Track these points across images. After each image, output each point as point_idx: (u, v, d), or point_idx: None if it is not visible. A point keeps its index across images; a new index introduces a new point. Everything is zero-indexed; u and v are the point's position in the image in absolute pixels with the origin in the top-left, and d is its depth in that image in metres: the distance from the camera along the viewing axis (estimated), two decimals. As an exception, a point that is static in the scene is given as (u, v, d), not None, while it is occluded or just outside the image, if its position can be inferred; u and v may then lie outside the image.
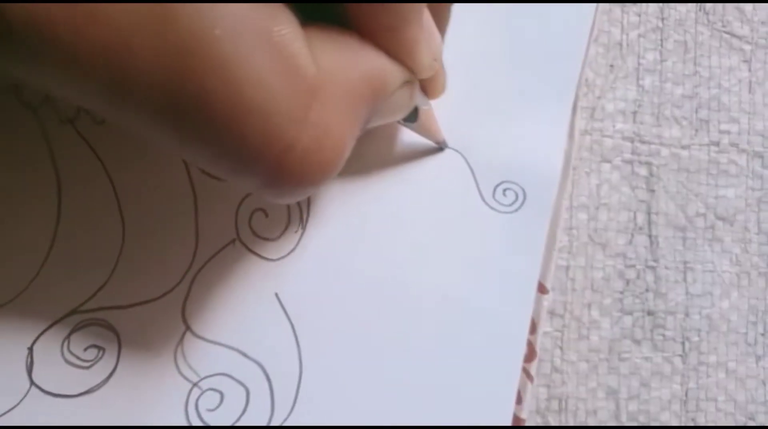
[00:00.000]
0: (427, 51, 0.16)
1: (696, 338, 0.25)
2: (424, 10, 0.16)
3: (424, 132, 0.21)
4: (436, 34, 0.17)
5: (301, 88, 0.12)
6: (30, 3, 0.10)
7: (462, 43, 0.21)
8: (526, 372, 0.23)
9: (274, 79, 0.12)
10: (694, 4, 0.26)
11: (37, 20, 0.10)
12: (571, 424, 0.24)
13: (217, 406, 0.21)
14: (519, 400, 0.23)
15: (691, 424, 0.25)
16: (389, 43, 0.15)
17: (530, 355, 0.23)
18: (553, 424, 0.24)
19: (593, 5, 0.24)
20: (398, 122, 0.20)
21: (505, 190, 0.23)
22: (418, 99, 0.19)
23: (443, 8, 0.18)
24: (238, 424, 0.21)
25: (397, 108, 0.17)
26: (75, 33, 0.10)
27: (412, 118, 0.20)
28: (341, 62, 0.13)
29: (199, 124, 0.11)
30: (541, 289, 0.23)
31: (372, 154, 0.22)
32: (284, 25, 0.12)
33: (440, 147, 0.22)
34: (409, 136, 0.22)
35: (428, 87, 0.19)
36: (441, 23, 0.18)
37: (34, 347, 0.20)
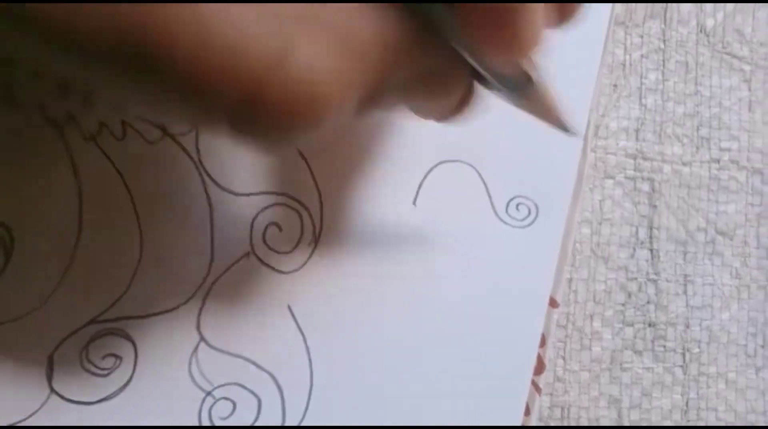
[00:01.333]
0: (530, 15, 0.12)
1: (696, 349, 0.26)
2: None
3: (539, 110, 0.17)
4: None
5: (282, 18, 0.11)
6: None
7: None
8: (534, 384, 0.23)
9: (247, 10, 0.10)
10: (695, 27, 0.26)
11: None
12: (574, 433, 0.25)
13: (230, 415, 0.21)
14: (527, 412, 0.23)
15: (692, 434, 0.26)
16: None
17: (539, 367, 0.23)
18: (556, 433, 0.25)
19: (604, 28, 0.24)
20: (502, 93, 0.16)
21: (518, 205, 0.23)
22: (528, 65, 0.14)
23: None
24: (251, 431, 0.21)
25: (423, 89, 0.14)
26: None
27: (521, 87, 0.15)
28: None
29: (159, 66, 0.11)
30: (552, 303, 0.24)
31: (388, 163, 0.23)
32: None
33: (567, 130, 0.18)
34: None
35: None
36: None
37: (55, 355, 0.21)
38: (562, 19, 0.14)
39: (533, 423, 0.23)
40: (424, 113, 0.16)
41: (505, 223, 0.23)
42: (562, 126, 0.17)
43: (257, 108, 0.11)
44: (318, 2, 0.11)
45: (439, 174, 0.23)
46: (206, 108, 0.11)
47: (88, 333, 0.21)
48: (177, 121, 0.11)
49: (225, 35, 0.10)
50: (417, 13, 0.12)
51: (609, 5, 0.25)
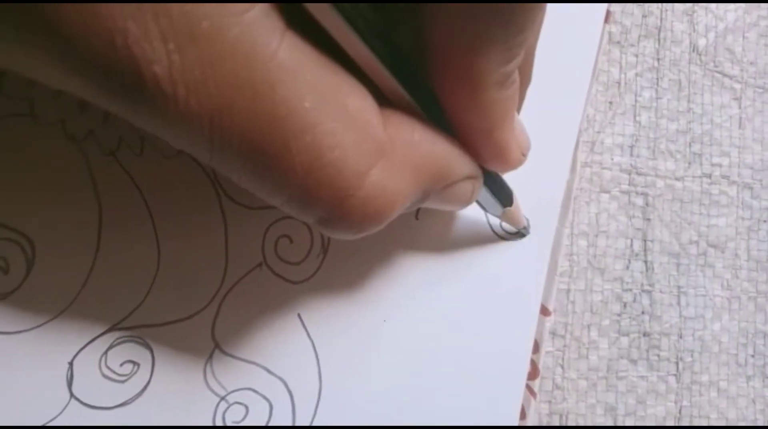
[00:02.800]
0: (516, 148, 0.18)
1: (689, 358, 0.27)
2: (515, 112, 0.18)
3: (508, 220, 0.23)
4: (524, 130, 0.19)
5: (369, 147, 0.14)
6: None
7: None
8: (530, 389, 0.24)
9: (348, 139, 0.14)
10: (688, 46, 0.28)
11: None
12: (572, 438, 0.26)
13: (243, 419, 0.22)
14: (523, 416, 0.24)
15: (685, 439, 0.26)
16: (482, 143, 0.18)
17: (533, 373, 0.24)
18: (554, 438, 0.26)
19: (596, 46, 0.25)
20: (486, 211, 0.23)
21: None
22: (507, 189, 0.22)
23: (521, 100, 0.20)
24: (261, 435, 0.22)
25: (456, 198, 0.19)
26: (188, 91, 0.12)
27: (508, 202, 0.22)
28: (409, 137, 0.16)
29: (280, 173, 0.14)
30: (544, 311, 0.25)
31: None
32: (358, 98, 0.14)
33: (521, 233, 0.24)
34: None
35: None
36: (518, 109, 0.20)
37: (75, 362, 0.22)
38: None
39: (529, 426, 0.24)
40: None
41: (499, 236, 0.24)
42: (523, 229, 0.24)
43: (339, 215, 0.15)
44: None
45: None
46: (303, 210, 0.15)
47: (108, 340, 0.22)
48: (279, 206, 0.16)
49: (331, 153, 0.14)
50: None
51: (599, 22, 0.26)
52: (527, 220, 0.24)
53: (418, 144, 0.16)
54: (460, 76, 0.15)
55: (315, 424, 0.23)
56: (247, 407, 0.22)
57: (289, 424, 0.23)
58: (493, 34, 0.14)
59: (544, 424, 0.25)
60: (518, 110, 0.20)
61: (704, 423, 0.27)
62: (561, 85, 0.25)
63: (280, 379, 0.23)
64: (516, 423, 0.24)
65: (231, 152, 0.13)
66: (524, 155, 0.19)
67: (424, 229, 0.24)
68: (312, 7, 0.13)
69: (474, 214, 0.24)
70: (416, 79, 0.16)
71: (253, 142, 0.13)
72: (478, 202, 0.22)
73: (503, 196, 0.22)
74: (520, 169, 0.24)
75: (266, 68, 0.12)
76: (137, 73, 0.12)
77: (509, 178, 0.22)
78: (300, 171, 0.14)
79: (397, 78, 0.15)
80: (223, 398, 0.22)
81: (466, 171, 0.18)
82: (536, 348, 0.24)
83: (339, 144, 0.14)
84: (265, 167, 0.14)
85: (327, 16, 0.13)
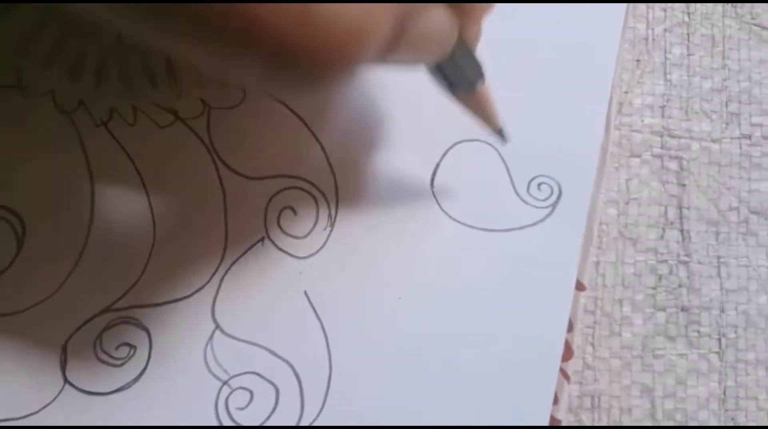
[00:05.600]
0: None
1: (733, 335, 0.24)
2: None
3: (479, 113, 0.19)
4: None
5: None
6: None
7: (498, 38, 0.21)
8: (563, 372, 0.22)
9: None
10: (720, -3, 0.26)
11: None
12: (605, 422, 0.24)
13: (247, 405, 0.21)
14: (555, 400, 0.22)
15: (731, 423, 0.24)
16: None
17: (567, 354, 0.22)
18: (586, 422, 0.23)
19: (624, 4, 0.23)
20: (450, 93, 0.18)
21: (540, 185, 0.23)
22: (477, 67, 0.17)
23: None
24: (269, 423, 0.21)
25: (432, 33, 0.15)
26: None
27: (464, 85, 0.18)
28: None
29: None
30: (579, 286, 0.23)
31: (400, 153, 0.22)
32: None
33: (499, 135, 0.20)
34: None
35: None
36: None
37: (68, 345, 0.20)
38: None
39: (562, 413, 0.22)
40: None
41: (527, 203, 0.22)
42: (495, 129, 0.20)
43: (293, 48, 0.11)
44: None
45: (457, 154, 0.22)
46: (242, 47, 0.11)
47: (102, 322, 0.21)
48: (207, 61, 0.11)
49: None
50: None
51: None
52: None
53: None
54: None
55: (326, 409, 0.21)
56: (251, 392, 0.21)
57: (297, 409, 0.21)
58: None
59: (575, 406, 0.23)
60: None
61: (752, 405, 0.24)
62: (589, 41, 0.23)
63: (287, 361, 0.21)
64: (549, 409, 0.22)
65: None
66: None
67: (441, 198, 0.22)
68: None
69: (497, 177, 0.22)
70: None
71: None
72: (439, 75, 0.18)
73: (469, 68, 0.18)
74: (549, 128, 0.23)
75: None
76: None
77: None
78: None
79: None
80: (225, 383, 0.21)
81: None
82: (570, 326, 0.22)
83: None
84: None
85: None
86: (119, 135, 0.21)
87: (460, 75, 0.18)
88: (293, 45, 0.11)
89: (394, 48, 0.13)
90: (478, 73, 0.18)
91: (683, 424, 0.24)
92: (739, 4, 0.26)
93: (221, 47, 0.11)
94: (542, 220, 0.22)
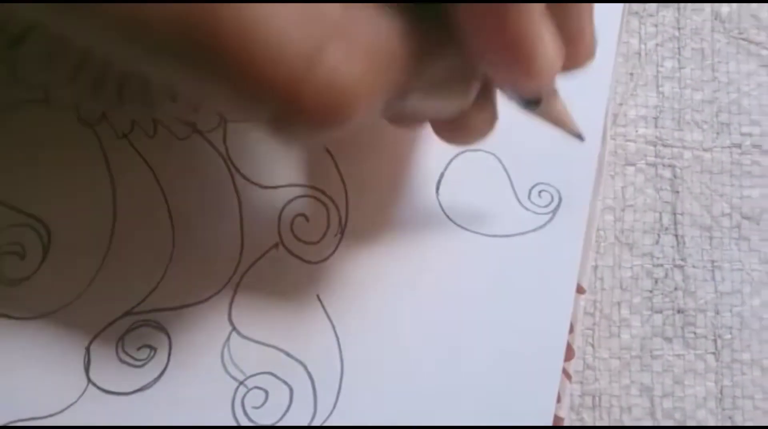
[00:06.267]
0: (550, 46, 0.13)
1: (728, 336, 0.25)
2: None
3: (552, 119, 0.19)
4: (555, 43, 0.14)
5: (317, 24, 0.12)
6: None
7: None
8: (565, 371, 0.23)
9: (289, 13, 0.12)
10: (709, 14, 0.27)
11: None
12: (606, 421, 0.24)
13: (263, 404, 0.22)
14: (558, 399, 0.23)
15: (729, 422, 0.25)
16: (487, 35, 0.13)
17: (569, 354, 0.23)
18: (588, 421, 0.24)
19: (618, 18, 0.25)
20: (525, 110, 0.18)
21: (540, 192, 0.24)
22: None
23: None
24: (282, 422, 0.22)
25: (444, 88, 0.15)
26: None
27: (532, 104, 0.17)
28: (375, 12, 0.13)
29: (210, 58, 0.12)
30: (579, 289, 0.24)
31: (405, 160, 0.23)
32: None
33: (578, 137, 0.20)
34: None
35: (569, 53, 0.15)
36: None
37: (91, 347, 0.21)
38: (575, 62, 0.16)
39: (565, 411, 0.23)
40: (445, 132, 0.18)
41: (528, 210, 0.23)
42: (574, 133, 0.20)
43: (293, 107, 0.12)
44: (346, 1, 0.12)
45: (461, 164, 0.24)
46: (250, 102, 0.13)
47: (124, 325, 0.21)
48: (226, 113, 0.13)
49: (268, 36, 0.12)
50: (440, 28, 0.13)
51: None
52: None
53: (386, 31, 0.13)
54: None
55: (337, 407, 0.22)
56: (267, 392, 0.22)
57: (311, 408, 0.22)
58: None
59: (576, 405, 0.24)
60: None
61: (749, 404, 0.25)
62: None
63: (300, 362, 0.22)
64: (553, 408, 0.23)
65: (152, 36, 0.11)
66: (556, 65, 0.14)
67: (447, 205, 0.23)
68: None
69: (499, 185, 0.23)
70: None
71: (174, 20, 0.11)
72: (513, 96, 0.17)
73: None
74: (549, 138, 0.24)
75: None
76: None
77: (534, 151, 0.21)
78: (234, 52, 0.12)
79: None
80: (242, 383, 0.22)
81: (459, 70, 0.14)
82: (571, 328, 0.23)
83: (277, 15, 0.11)
84: (192, 51, 0.12)
85: None
86: (140, 146, 0.22)
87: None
88: (292, 104, 0.12)
89: (408, 95, 0.14)
90: (550, 90, 0.18)
91: (682, 423, 0.25)
92: (726, 21, 0.27)
93: (234, 99, 0.13)
94: (543, 226, 0.23)
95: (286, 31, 0.12)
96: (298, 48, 0.12)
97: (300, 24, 0.12)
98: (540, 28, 0.13)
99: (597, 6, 0.24)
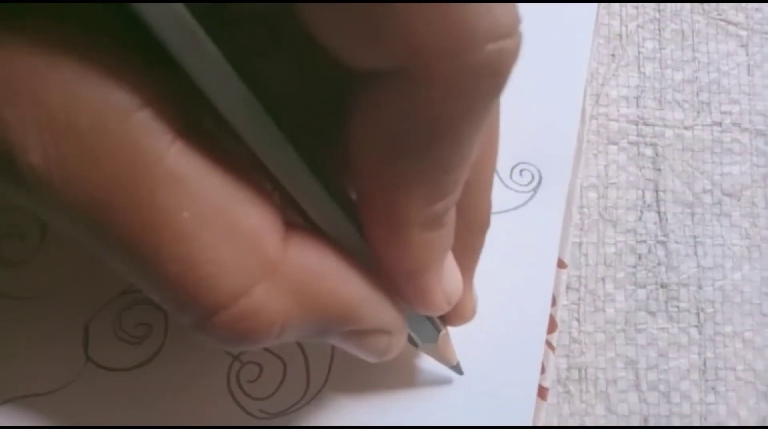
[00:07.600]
0: (440, 295, 0.17)
1: (710, 309, 0.26)
2: (446, 258, 0.17)
3: (437, 356, 0.21)
4: (456, 276, 0.18)
5: (253, 265, 0.14)
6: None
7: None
8: (548, 343, 0.24)
9: (227, 254, 0.13)
10: (688, -5, 0.28)
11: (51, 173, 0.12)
12: (592, 393, 0.25)
13: (257, 378, 0.22)
14: (542, 370, 0.24)
15: (712, 393, 0.26)
16: (405, 283, 0.16)
17: (551, 327, 0.24)
18: (574, 393, 0.25)
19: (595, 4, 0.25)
20: (414, 346, 0.21)
21: (521, 171, 0.24)
22: (435, 324, 0.20)
23: (474, 246, 0.19)
24: (276, 395, 0.22)
25: (365, 348, 0.17)
26: (65, 183, 0.12)
27: (431, 338, 0.20)
28: (314, 265, 0.14)
29: (153, 277, 0.13)
30: (560, 264, 0.24)
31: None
32: (254, 214, 0.13)
33: (456, 370, 0.22)
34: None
35: (453, 312, 0.19)
36: (470, 258, 0.19)
37: (90, 325, 0.22)
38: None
39: (549, 381, 0.24)
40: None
41: (510, 188, 0.24)
42: (456, 367, 0.22)
43: (209, 327, 0.14)
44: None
45: None
46: (177, 306, 0.14)
47: (121, 303, 0.22)
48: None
49: (207, 270, 0.13)
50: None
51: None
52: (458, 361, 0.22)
53: (321, 276, 0.15)
54: (380, 210, 0.14)
55: (329, 381, 0.23)
56: (260, 366, 0.22)
57: (303, 382, 0.23)
58: (414, 170, 0.13)
59: (563, 378, 0.25)
60: (473, 261, 0.19)
61: (731, 375, 0.26)
62: (564, 36, 0.25)
63: (293, 337, 0.23)
64: (537, 379, 0.23)
65: (108, 246, 0.13)
66: (449, 303, 0.18)
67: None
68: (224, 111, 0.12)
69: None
70: (337, 204, 0.15)
71: (129, 242, 0.13)
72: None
73: (425, 329, 0.20)
74: (529, 119, 0.25)
75: (149, 173, 0.12)
76: (11, 159, 0.12)
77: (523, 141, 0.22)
78: (172, 279, 0.13)
79: (314, 203, 0.14)
80: (236, 358, 0.22)
81: (379, 323, 0.16)
82: (553, 301, 0.24)
83: (216, 259, 0.13)
84: (142, 268, 0.13)
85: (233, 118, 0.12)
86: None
87: (420, 333, 0.20)
88: (213, 321, 0.14)
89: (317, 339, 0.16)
90: (436, 329, 0.20)
91: (666, 393, 0.25)
92: (705, 2, 0.28)
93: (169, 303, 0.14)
94: (524, 204, 0.24)
95: (224, 269, 0.13)
96: (231, 282, 0.13)
97: (236, 263, 0.13)
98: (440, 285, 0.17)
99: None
